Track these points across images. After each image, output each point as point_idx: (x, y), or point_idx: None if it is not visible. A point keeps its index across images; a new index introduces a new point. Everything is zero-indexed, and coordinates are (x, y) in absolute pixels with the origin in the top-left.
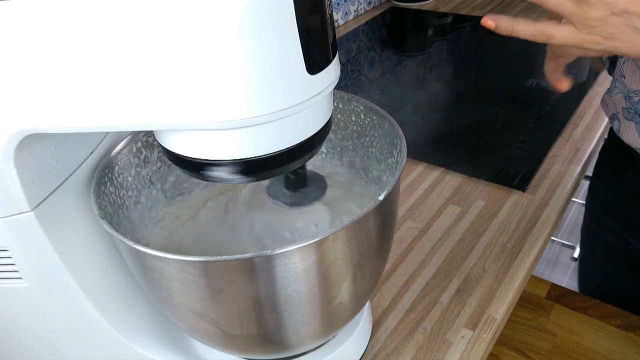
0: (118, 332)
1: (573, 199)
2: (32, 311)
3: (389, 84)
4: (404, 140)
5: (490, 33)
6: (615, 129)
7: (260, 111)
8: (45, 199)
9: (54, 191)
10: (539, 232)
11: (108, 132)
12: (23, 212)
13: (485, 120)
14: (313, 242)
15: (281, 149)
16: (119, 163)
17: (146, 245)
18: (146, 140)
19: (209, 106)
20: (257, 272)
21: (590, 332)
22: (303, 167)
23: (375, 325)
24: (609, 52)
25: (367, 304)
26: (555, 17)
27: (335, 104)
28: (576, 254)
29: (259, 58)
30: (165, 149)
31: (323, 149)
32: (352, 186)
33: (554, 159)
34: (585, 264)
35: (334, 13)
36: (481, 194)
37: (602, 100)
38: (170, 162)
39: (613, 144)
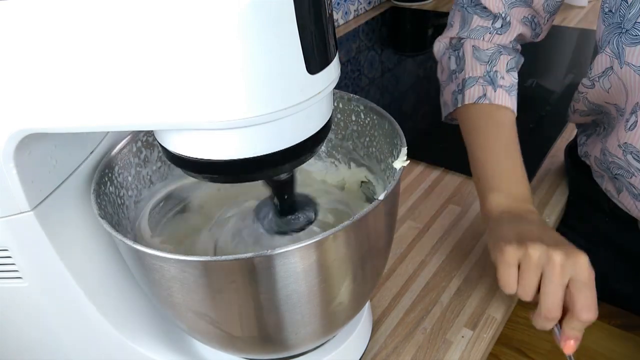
0: (118, 332)
1: None
2: (32, 311)
3: (389, 84)
4: (404, 140)
5: None
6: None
7: (260, 111)
8: (45, 198)
9: (54, 191)
10: None
11: (108, 132)
12: (23, 212)
13: None
14: (313, 242)
15: (281, 148)
16: (119, 163)
17: (146, 245)
18: (146, 140)
19: (209, 106)
20: (257, 272)
21: (590, 332)
22: (292, 193)
23: (375, 325)
24: None
25: (367, 304)
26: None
27: (335, 104)
28: None
29: (259, 58)
30: (165, 148)
31: (323, 148)
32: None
33: (554, 159)
34: None
35: (334, 13)
36: None
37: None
38: (170, 162)
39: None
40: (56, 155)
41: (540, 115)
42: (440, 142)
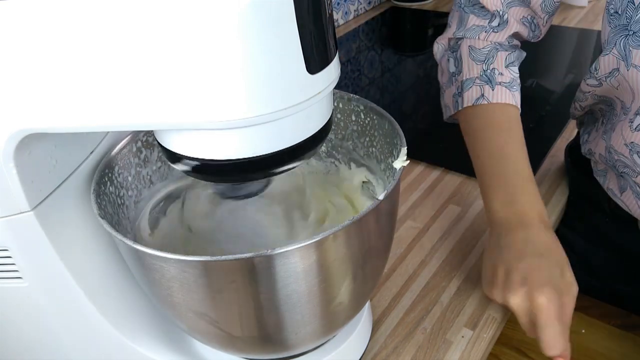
0: (118, 331)
1: None
2: (32, 311)
3: (389, 84)
4: (404, 140)
5: None
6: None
7: (260, 111)
8: (45, 198)
9: (54, 191)
10: None
11: (108, 132)
12: (23, 212)
13: None
14: (313, 242)
15: (281, 148)
16: (119, 163)
17: (145, 244)
18: (146, 140)
19: (209, 106)
20: (257, 272)
21: (590, 332)
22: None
23: (375, 325)
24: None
25: (367, 304)
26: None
27: (335, 104)
28: None
29: (259, 58)
30: (165, 148)
31: (323, 148)
32: None
33: (554, 159)
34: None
35: (334, 13)
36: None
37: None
38: (170, 162)
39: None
40: (56, 155)
41: (540, 115)
42: (440, 142)
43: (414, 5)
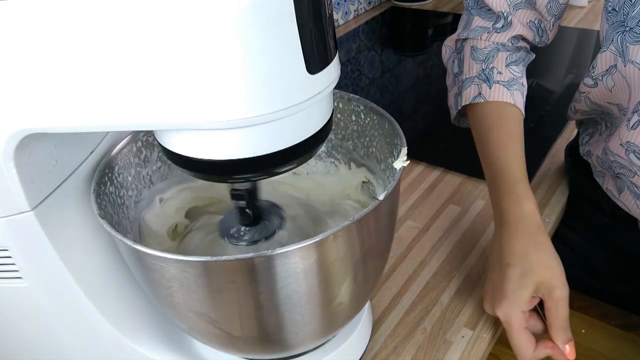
0: (118, 331)
1: None
2: (32, 311)
3: (389, 84)
4: (404, 140)
5: None
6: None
7: (260, 111)
8: (45, 198)
9: (54, 191)
10: None
11: (108, 132)
12: (23, 212)
13: None
14: (313, 242)
15: (281, 148)
16: (119, 163)
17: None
18: (146, 140)
19: (209, 106)
20: (257, 272)
21: (590, 332)
22: (255, 200)
23: (375, 325)
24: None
25: (367, 304)
26: None
27: (335, 104)
28: None
29: (258, 58)
30: (165, 148)
31: (323, 148)
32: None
33: (554, 159)
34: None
35: (334, 13)
36: (481, 193)
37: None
38: (170, 162)
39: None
40: (56, 155)
41: (540, 115)
42: (440, 142)
43: (414, 5)
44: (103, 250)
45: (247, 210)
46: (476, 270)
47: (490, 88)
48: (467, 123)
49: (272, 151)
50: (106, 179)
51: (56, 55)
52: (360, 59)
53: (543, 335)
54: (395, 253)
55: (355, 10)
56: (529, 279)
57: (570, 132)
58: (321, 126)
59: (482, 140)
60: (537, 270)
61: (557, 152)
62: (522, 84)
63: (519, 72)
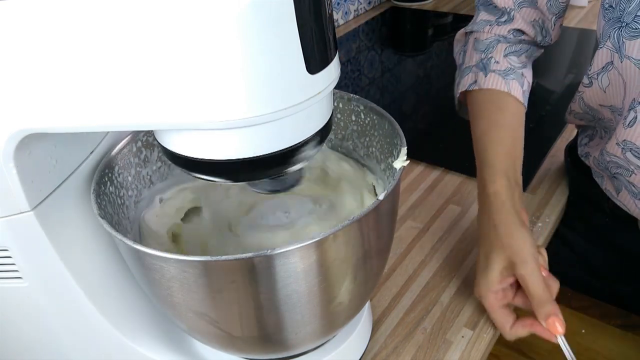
0: (118, 331)
1: None
2: (32, 311)
3: (389, 84)
4: (404, 140)
5: None
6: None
7: (260, 111)
8: (45, 198)
9: (54, 191)
10: (539, 232)
11: (108, 132)
12: (23, 212)
13: None
14: (313, 242)
15: (281, 148)
16: (119, 163)
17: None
18: (146, 140)
19: (209, 106)
20: (257, 272)
21: (590, 332)
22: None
23: (375, 325)
24: None
25: (367, 304)
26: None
27: (335, 104)
28: None
29: (258, 58)
30: (165, 148)
31: (323, 148)
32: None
33: (554, 159)
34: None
35: (334, 13)
36: None
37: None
38: (170, 162)
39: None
40: (56, 155)
41: (540, 115)
42: (440, 142)
43: (414, 5)
44: (103, 250)
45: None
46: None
47: (485, 76)
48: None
49: (272, 151)
50: (106, 179)
51: (56, 55)
52: (360, 59)
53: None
54: (395, 253)
55: (355, 10)
56: (491, 259)
57: (570, 132)
58: (321, 126)
59: (472, 126)
60: (496, 249)
61: (557, 152)
62: (522, 75)
63: (518, 63)
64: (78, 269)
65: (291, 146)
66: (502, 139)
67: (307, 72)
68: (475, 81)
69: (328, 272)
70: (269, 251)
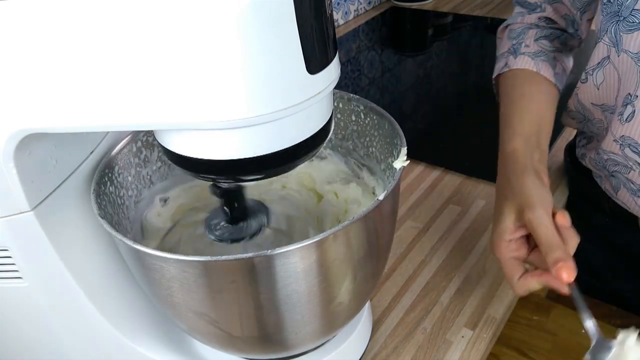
0: (118, 331)
1: None
2: (32, 311)
3: (389, 84)
4: (404, 140)
5: (490, 33)
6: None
7: (260, 111)
8: (45, 198)
9: (54, 191)
10: None
11: (108, 132)
12: (23, 212)
13: (485, 120)
14: (313, 242)
15: (281, 148)
16: (119, 163)
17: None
18: (146, 140)
19: (209, 106)
20: (257, 272)
21: None
22: (242, 198)
23: (375, 325)
24: None
25: (367, 304)
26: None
27: (335, 104)
28: None
29: (259, 58)
30: (165, 148)
31: (323, 148)
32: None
33: (554, 158)
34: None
35: (334, 13)
36: (481, 193)
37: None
38: (170, 162)
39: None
40: (56, 155)
41: None
42: (440, 142)
43: (414, 5)
44: (103, 250)
45: (225, 208)
46: (476, 270)
47: (515, 58)
48: None
49: (272, 151)
50: (106, 179)
51: (56, 55)
52: (360, 59)
53: None
54: (395, 253)
55: (355, 10)
56: (504, 209)
57: (570, 132)
58: (321, 126)
59: (500, 106)
60: (509, 199)
61: (557, 152)
62: (554, 58)
63: (550, 47)
64: (78, 269)
65: (291, 146)
66: (529, 109)
67: (307, 72)
68: (506, 64)
69: (328, 272)
70: (269, 251)
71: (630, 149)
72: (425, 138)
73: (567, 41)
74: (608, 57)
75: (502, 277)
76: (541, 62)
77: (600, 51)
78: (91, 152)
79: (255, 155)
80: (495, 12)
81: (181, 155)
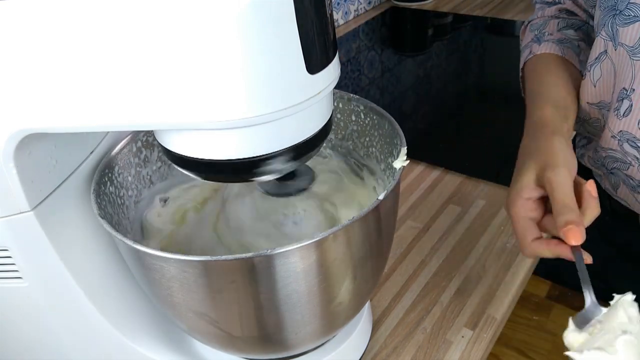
0: (118, 331)
1: None
2: (32, 311)
3: (389, 84)
4: (404, 140)
5: (490, 33)
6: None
7: (260, 111)
8: (45, 198)
9: (54, 191)
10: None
11: (108, 132)
12: (23, 212)
13: (485, 120)
14: (313, 242)
15: (281, 148)
16: (119, 163)
17: (146, 244)
18: (146, 140)
19: (209, 106)
20: (257, 271)
21: None
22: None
23: (375, 325)
24: None
25: (367, 304)
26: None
27: (335, 104)
28: None
29: (259, 58)
30: (165, 148)
31: (323, 148)
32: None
33: None
34: None
35: (334, 13)
36: (481, 194)
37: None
38: (170, 162)
39: None
40: (56, 155)
41: None
42: (440, 142)
43: (414, 5)
44: (103, 250)
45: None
46: (476, 270)
47: (539, 45)
48: None
49: (272, 151)
50: (106, 179)
51: (56, 55)
52: (360, 59)
53: None
54: (395, 253)
55: (355, 10)
56: (527, 164)
57: None
58: (321, 126)
59: (526, 87)
60: (533, 156)
61: None
62: (578, 46)
63: (574, 35)
64: (78, 269)
65: (291, 146)
66: (557, 84)
67: (307, 72)
68: (530, 52)
69: (328, 272)
70: (269, 251)
71: (629, 143)
72: (425, 138)
73: (590, 33)
74: (605, 51)
75: (502, 277)
76: (565, 48)
77: (597, 46)
78: (91, 152)
79: (255, 155)
80: (495, 12)
81: (181, 155)
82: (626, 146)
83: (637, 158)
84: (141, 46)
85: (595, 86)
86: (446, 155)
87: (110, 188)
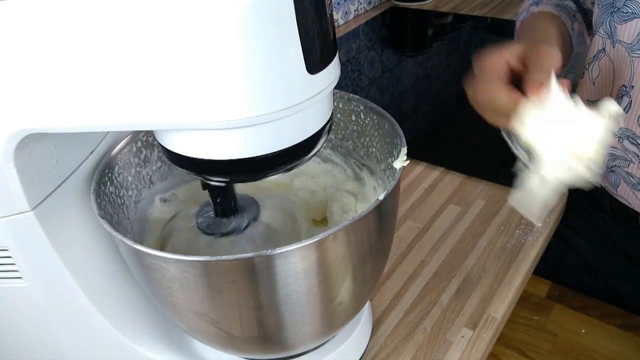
0: (118, 331)
1: None
2: (32, 311)
3: (389, 84)
4: (404, 140)
5: (490, 33)
6: None
7: (260, 111)
8: (45, 198)
9: (54, 191)
10: (539, 232)
11: (108, 132)
12: (23, 212)
13: (485, 120)
14: (313, 242)
15: (281, 148)
16: (119, 163)
17: (146, 244)
18: (146, 140)
19: (209, 106)
20: (257, 272)
21: (590, 332)
22: (233, 193)
23: (375, 325)
24: None
25: (367, 304)
26: None
27: (335, 104)
28: None
29: (259, 58)
30: (165, 148)
31: (323, 148)
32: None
33: None
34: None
35: (334, 13)
36: (481, 194)
37: None
38: (170, 162)
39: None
40: (56, 155)
41: None
42: (440, 142)
43: (414, 5)
44: (103, 250)
45: (214, 201)
46: (476, 270)
47: (537, 6)
48: None
49: (272, 151)
50: (106, 179)
51: (56, 55)
52: (360, 59)
53: None
54: (395, 253)
55: (355, 10)
56: (516, 43)
57: None
58: (321, 126)
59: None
60: (527, 40)
61: None
62: (574, 15)
63: (572, 5)
64: (78, 269)
65: (291, 146)
66: (549, 32)
67: (307, 72)
68: (528, 11)
69: (328, 272)
70: (269, 251)
71: (629, 140)
72: (425, 138)
73: (588, 15)
74: (603, 49)
75: (502, 277)
76: (562, 12)
77: (596, 44)
78: (91, 152)
79: (255, 155)
80: (495, 12)
81: (181, 155)
82: (626, 143)
83: (638, 155)
84: (141, 46)
85: (594, 84)
86: (446, 155)
87: (110, 188)
